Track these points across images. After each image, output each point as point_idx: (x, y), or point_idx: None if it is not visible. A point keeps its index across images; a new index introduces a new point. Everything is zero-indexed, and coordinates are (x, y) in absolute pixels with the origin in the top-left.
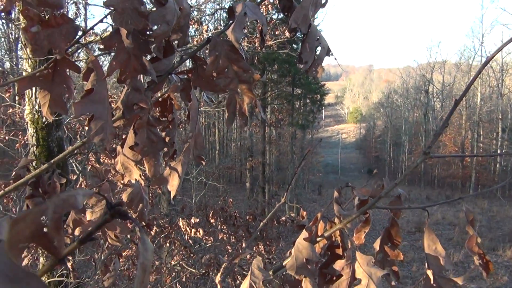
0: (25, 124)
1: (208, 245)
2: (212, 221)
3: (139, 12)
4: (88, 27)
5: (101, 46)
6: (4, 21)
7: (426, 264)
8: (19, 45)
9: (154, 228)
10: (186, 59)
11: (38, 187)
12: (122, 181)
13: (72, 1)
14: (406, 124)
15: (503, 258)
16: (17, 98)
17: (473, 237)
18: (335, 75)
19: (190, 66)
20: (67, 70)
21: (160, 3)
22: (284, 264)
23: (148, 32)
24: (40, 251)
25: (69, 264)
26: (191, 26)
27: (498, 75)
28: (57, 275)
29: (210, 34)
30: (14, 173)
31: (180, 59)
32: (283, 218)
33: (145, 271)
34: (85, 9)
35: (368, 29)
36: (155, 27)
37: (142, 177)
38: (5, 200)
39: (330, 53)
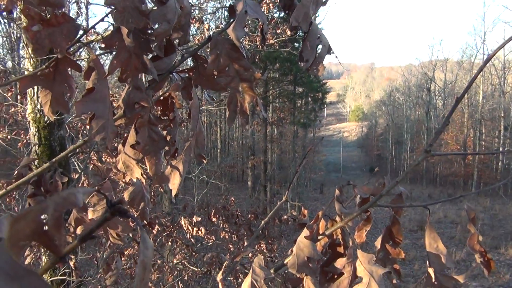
0: (27, 123)
1: (210, 243)
2: (214, 219)
3: (140, 11)
4: (90, 26)
5: (102, 45)
6: (5, 20)
7: (427, 262)
8: (21, 44)
9: (156, 226)
10: (187, 57)
11: (40, 186)
12: (123, 180)
13: (73, 0)
14: (408, 122)
15: (505, 257)
16: (19, 97)
17: (474, 235)
18: (336, 74)
19: (191, 64)
20: (69, 69)
21: (160, 1)
22: (285, 262)
23: (149, 31)
24: (42, 250)
25: (71, 263)
26: (192, 25)
27: (500, 73)
28: (59, 274)
29: (211, 33)
30: (16, 172)
31: (181, 58)
32: (285, 216)
33: (145, 269)
34: (87, 8)
35: (370, 27)
36: (156, 25)
37: (144, 175)
38: (7, 199)
39: (331, 51)
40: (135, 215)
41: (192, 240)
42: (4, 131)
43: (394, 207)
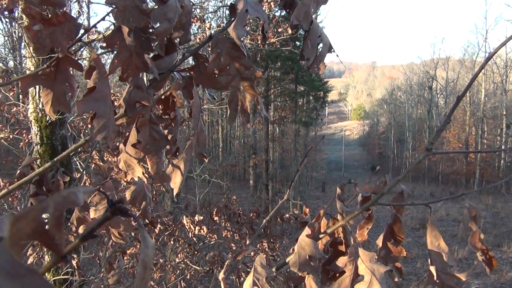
0: (29, 122)
1: (212, 242)
2: (216, 218)
3: (141, 10)
4: (91, 25)
5: (103, 44)
6: (7, 19)
7: (429, 260)
8: (23, 44)
9: (158, 226)
10: (188, 56)
11: (42, 185)
12: (125, 179)
13: (74, 0)
14: (409, 120)
15: (507, 254)
16: (21, 96)
17: (476, 233)
18: (338, 72)
19: (192, 63)
20: (70, 68)
21: (161, 0)
22: (287, 261)
23: (150, 30)
24: (45, 249)
25: (73, 262)
26: (193, 24)
27: (502, 71)
28: (62, 273)
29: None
30: (18, 171)
31: (182, 57)
32: (287, 215)
33: (145, 268)
34: (88, 7)
35: (371, 26)
36: (157, 24)
37: (145, 174)
38: (9, 199)
39: (332, 50)
40: (137, 214)
41: (194, 239)
42: (6, 130)
43: (396, 205)
